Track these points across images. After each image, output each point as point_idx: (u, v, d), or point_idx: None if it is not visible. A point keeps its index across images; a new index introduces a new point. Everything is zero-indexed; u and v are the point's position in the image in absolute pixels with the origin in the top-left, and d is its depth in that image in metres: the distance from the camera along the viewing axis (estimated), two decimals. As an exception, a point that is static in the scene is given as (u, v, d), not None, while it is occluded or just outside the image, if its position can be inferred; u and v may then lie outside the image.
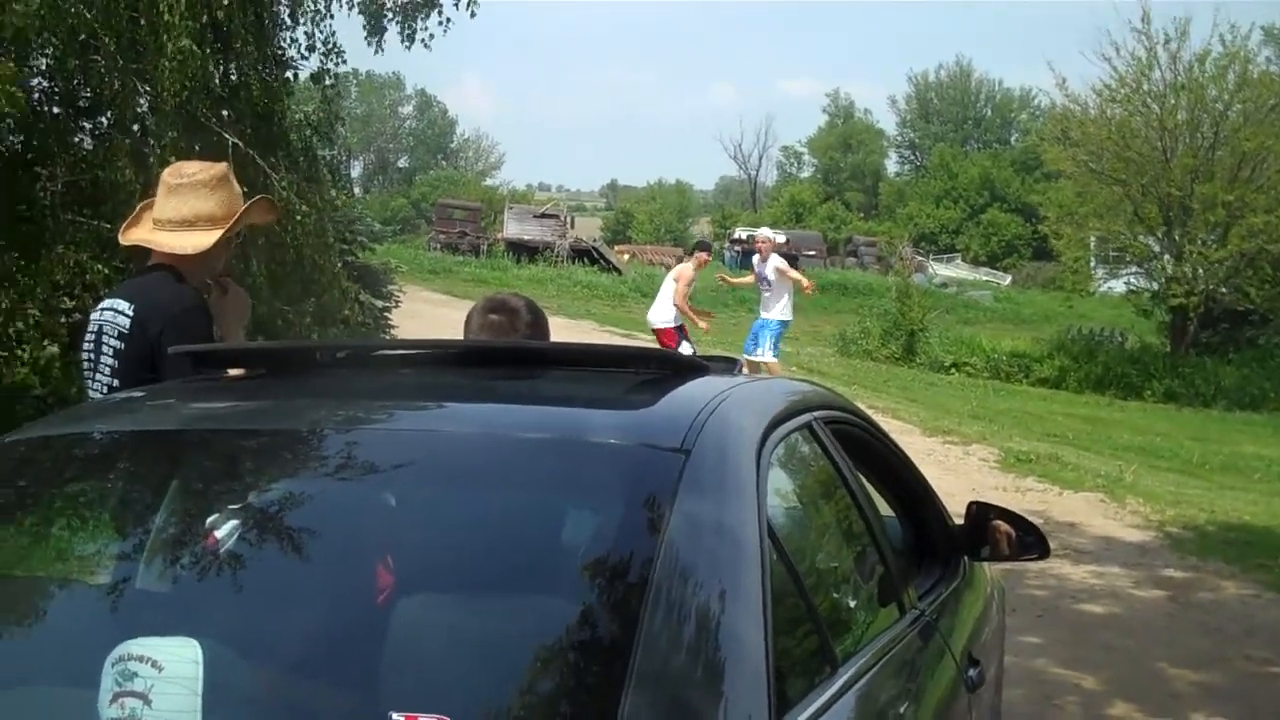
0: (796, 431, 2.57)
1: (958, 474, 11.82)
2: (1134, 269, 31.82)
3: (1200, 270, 27.81)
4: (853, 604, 2.74)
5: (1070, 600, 7.76)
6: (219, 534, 2.14)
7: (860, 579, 2.82)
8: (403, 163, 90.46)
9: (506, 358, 2.80)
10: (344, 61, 10.96)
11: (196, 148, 8.60)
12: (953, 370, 26.54)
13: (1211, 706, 6.03)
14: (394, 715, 1.68)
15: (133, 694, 1.73)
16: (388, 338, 12.97)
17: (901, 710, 2.51)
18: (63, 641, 2.07)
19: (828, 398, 3.08)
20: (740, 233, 54.76)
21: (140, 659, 1.75)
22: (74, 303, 8.85)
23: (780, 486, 2.41)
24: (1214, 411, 24.33)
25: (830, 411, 2.90)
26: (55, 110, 9.02)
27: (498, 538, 2.12)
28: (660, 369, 2.53)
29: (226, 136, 8.85)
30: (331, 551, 2.16)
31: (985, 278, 55.89)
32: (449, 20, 10.79)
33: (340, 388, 2.67)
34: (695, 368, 2.53)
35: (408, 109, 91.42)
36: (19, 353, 9.06)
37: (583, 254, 45.44)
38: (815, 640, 2.23)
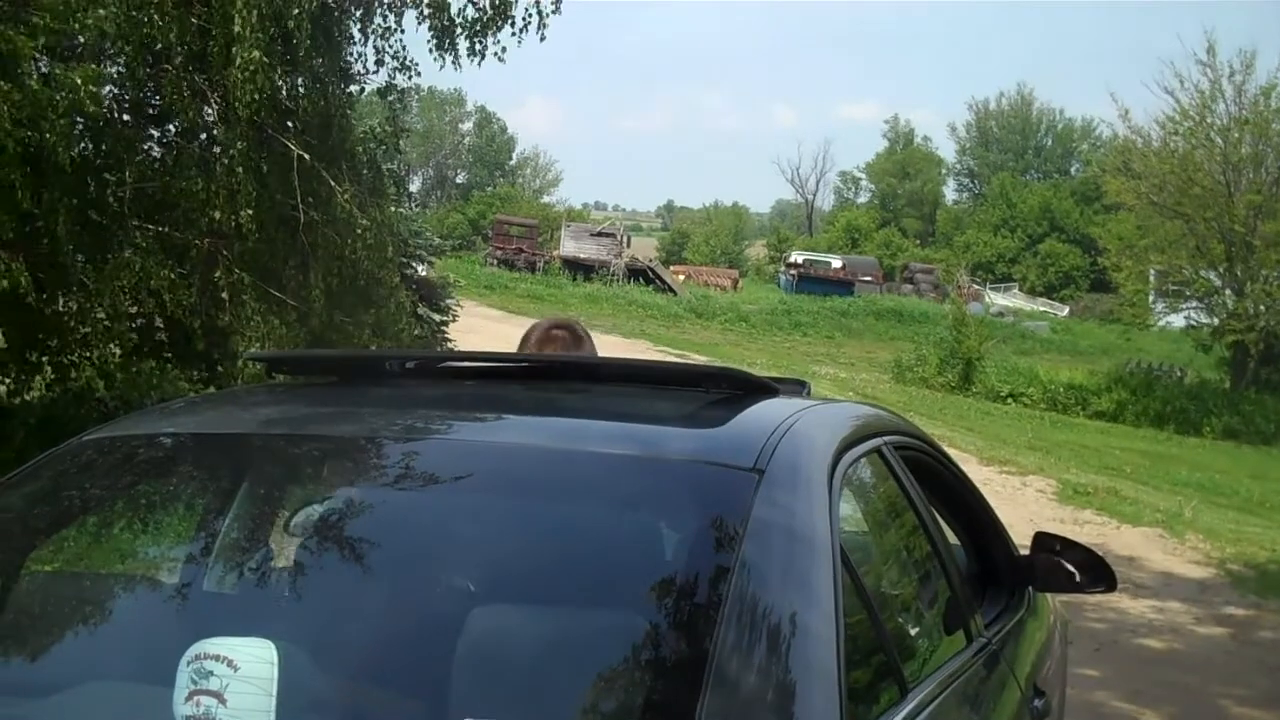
0: (866, 456, 2.54)
1: (1015, 504, 11.71)
2: (1194, 304, 31.50)
3: (1262, 306, 27.49)
4: (921, 629, 2.71)
5: (1130, 634, 7.67)
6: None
7: (928, 605, 2.79)
8: (461, 178, 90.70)
9: (579, 373, 2.80)
10: (418, 73, 10.99)
11: (262, 158, 8.69)
12: (1009, 400, 26.39)
13: (1275, 746, 5.94)
14: None
15: (208, 692, 1.74)
16: (450, 349, 13.03)
17: (970, 739, 2.48)
18: (138, 639, 2.09)
19: (897, 423, 3.05)
20: (796, 256, 54.73)
21: (216, 658, 1.76)
22: (138, 308, 8.95)
23: (850, 509, 2.39)
24: (1274, 450, 24.05)
25: (899, 437, 2.88)
26: (125, 118, 9.11)
27: (570, 551, 2.12)
28: (731, 389, 2.52)
29: (292, 148, 8.92)
30: (407, 560, 2.16)
31: (1042, 308, 55.47)
32: (522, 32, 10.80)
33: (413, 398, 2.66)
34: (765, 389, 2.52)
35: (468, 125, 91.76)
36: (85, 355, 9.19)
37: (638, 273, 45.60)
38: (886, 664, 2.20)
